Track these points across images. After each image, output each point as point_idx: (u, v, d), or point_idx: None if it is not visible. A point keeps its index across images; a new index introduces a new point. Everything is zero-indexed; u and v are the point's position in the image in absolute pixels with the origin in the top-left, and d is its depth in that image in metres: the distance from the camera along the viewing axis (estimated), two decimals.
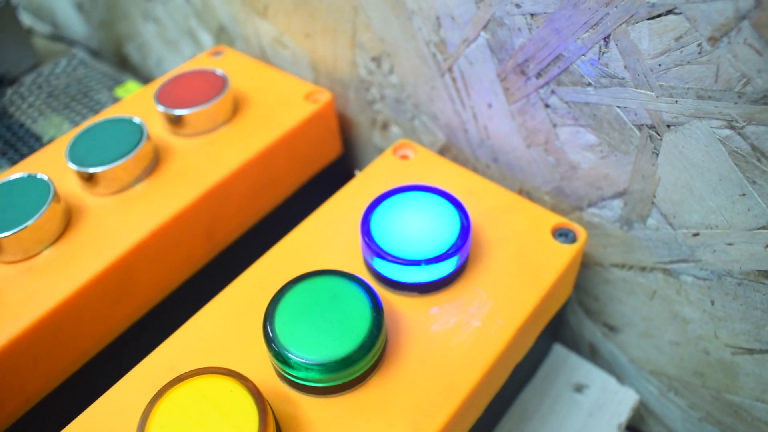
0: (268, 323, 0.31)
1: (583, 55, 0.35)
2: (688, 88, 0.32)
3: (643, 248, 0.40)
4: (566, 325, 0.51)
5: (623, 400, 0.47)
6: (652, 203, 0.37)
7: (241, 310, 0.36)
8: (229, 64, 0.55)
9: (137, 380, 0.34)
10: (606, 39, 0.33)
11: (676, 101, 0.32)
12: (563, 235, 0.39)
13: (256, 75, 0.54)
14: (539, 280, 0.36)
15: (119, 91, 0.69)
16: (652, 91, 0.33)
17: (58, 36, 0.90)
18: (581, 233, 0.38)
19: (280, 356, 0.30)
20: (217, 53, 0.57)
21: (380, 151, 0.55)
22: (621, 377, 0.50)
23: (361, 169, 0.44)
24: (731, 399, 0.42)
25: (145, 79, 0.83)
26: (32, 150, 0.61)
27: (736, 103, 0.30)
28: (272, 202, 0.50)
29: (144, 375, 0.34)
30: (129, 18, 0.76)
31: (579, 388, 0.47)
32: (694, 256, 0.38)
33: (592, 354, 0.51)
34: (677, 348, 0.43)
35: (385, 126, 0.53)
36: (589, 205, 0.41)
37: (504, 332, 0.34)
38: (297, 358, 0.30)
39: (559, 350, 0.50)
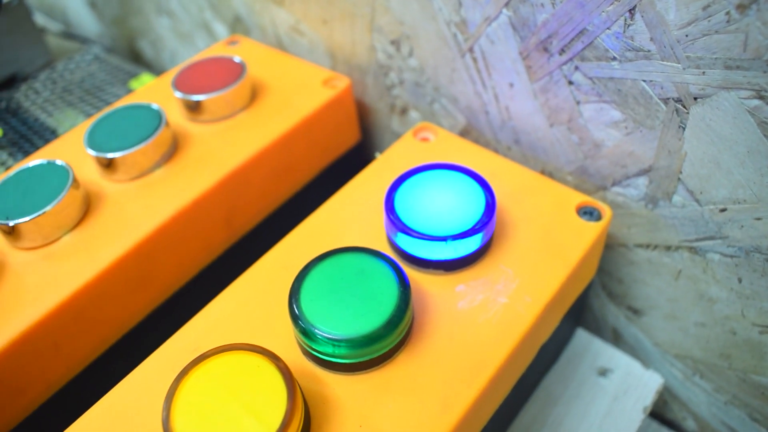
0: (293, 300, 0.31)
1: (608, 28, 0.34)
2: (715, 59, 0.31)
3: (668, 227, 0.40)
4: (589, 310, 0.51)
5: (648, 384, 0.46)
6: (678, 179, 0.37)
7: (266, 290, 0.36)
8: (245, 52, 0.55)
9: (161, 361, 0.33)
10: (632, 11, 0.33)
11: (704, 72, 0.32)
12: (588, 213, 0.38)
13: (273, 62, 0.53)
14: (566, 258, 0.36)
15: (134, 84, 0.69)
16: (679, 63, 0.33)
17: (70, 34, 0.90)
18: (606, 211, 0.38)
19: (306, 332, 0.30)
20: (233, 42, 0.57)
21: (399, 137, 0.55)
22: (645, 361, 0.49)
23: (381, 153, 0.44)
24: (758, 380, 0.42)
25: (158, 74, 0.83)
26: (48, 143, 0.61)
27: (765, 72, 0.30)
28: (291, 188, 0.49)
29: (168, 356, 0.34)
30: (142, 13, 0.76)
31: (603, 373, 0.47)
32: (721, 233, 0.37)
33: (616, 339, 0.50)
34: (703, 329, 0.43)
35: (404, 111, 0.53)
36: (613, 184, 0.41)
37: (532, 309, 0.34)
38: (324, 334, 0.30)
39: (582, 335, 0.49)
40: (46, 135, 0.62)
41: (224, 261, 0.46)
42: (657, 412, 0.52)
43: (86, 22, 0.91)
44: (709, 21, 0.30)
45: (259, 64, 0.53)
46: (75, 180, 0.41)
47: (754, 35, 0.29)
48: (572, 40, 0.36)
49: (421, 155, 0.43)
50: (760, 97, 0.31)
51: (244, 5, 0.59)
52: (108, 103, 0.66)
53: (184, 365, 0.29)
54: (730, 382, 0.44)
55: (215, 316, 0.35)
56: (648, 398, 0.45)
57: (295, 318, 0.31)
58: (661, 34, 0.32)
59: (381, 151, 0.44)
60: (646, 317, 0.46)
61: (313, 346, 0.30)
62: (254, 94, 0.50)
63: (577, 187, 0.43)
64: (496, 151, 0.47)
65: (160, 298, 0.43)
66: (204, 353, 0.29)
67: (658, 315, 0.45)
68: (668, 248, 0.41)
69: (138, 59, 0.87)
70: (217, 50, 0.56)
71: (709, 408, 0.47)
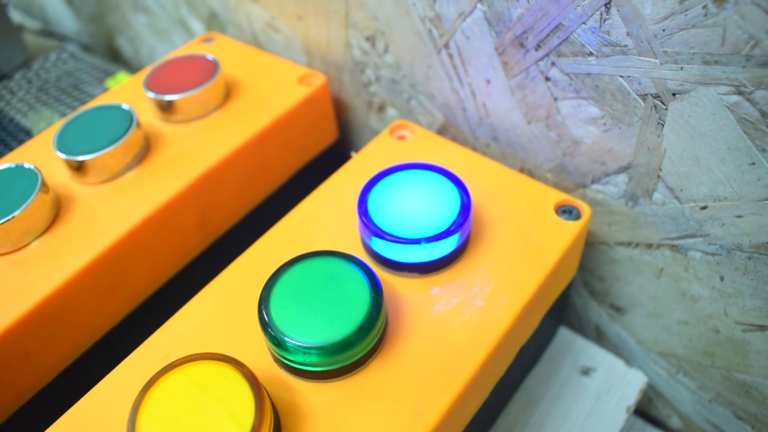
0: (263, 307, 0.30)
1: (584, 23, 0.33)
2: (693, 54, 0.30)
3: (649, 224, 0.39)
4: (572, 308, 0.50)
5: (631, 383, 0.46)
6: (658, 177, 0.36)
7: (237, 296, 0.35)
8: (220, 50, 0.54)
9: (129, 370, 0.33)
10: (607, 5, 0.32)
11: (682, 68, 0.31)
12: (567, 211, 0.37)
13: (248, 60, 0.52)
14: (543, 259, 0.35)
15: (110, 83, 0.67)
16: (656, 58, 0.32)
17: (49, 32, 0.89)
18: (585, 209, 0.37)
19: (276, 340, 0.29)
20: (208, 40, 0.56)
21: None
22: (629, 360, 0.48)
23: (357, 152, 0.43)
24: (742, 378, 0.41)
25: (137, 72, 0.82)
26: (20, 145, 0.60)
27: (744, 67, 0.29)
28: (267, 189, 0.48)
29: (136, 365, 0.33)
30: (119, 10, 0.75)
31: (586, 372, 0.46)
32: (702, 231, 0.36)
33: (599, 337, 0.50)
34: (686, 327, 0.42)
35: (381, 108, 0.52)
36: (593, 182, 0.40)
37: (508, 312, 0.33)
38: (294, 342, 0.29)
39: (564, 334, 0.49)
40: (20, 136, 0.61)
41: (199, 264, 0.45)
42: (642, 410, 0.51)
43: (65, 19, 0.89)
44: (686, 15, 0.29)
45: (234, 61, 0.52)
46: (44, 184, 0.40)
47: (732, 29, 0.28)
48: (548, 35, 0.36)
49: (397, 154, 0.42)
50: (739, 93, 0.30)
51: (220, 1, 0.58)
52: (84, 103, 0.64)
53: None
54: (714, 380, 0.43)
55: (185, 323, 0.34)
56: (631, 397, 0.45)
57: (265, 325, 0.30)
58: (638, 28, 0.31)
59: (358, 149, 0.43)
60: (629, 315, 0.46)
61: (284, 354, 0.30)
62: (228, 93, 0.49)
63: (557, 185, 0.43)
64: (474, 148, 0.47)
65: (133, 304, 0.42)
66: (170, 363, 0.29)
67: (640, 313, 0.44)
68: (649, 246, 0.40)
69: (117, 57, 0.86)
70: (192, 48, 0.55)
71: (693, 406, 0.46)
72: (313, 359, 0.29)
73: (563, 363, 0.47)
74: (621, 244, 0.42)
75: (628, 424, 0.50)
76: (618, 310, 0.46)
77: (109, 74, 0.70)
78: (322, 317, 0.30)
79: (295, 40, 0.54)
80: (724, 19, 0.28)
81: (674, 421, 0.49)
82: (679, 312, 0.42)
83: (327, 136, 0.52)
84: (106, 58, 0.86)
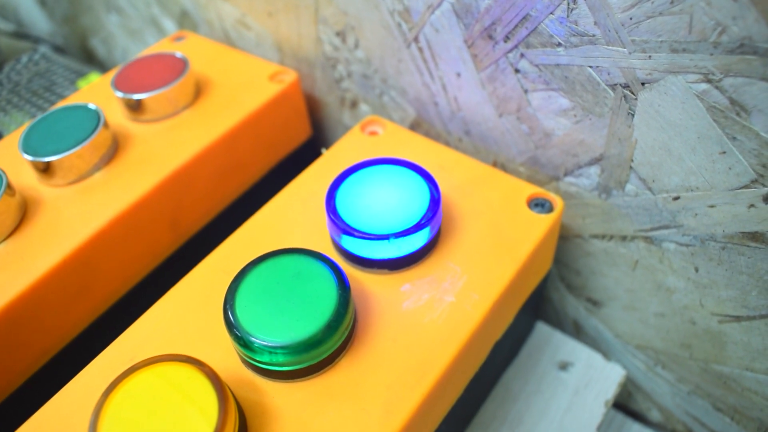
0: (228, 307, 0.30)
1: (552, 13, 0.33)
2: (661, 42, 0.30)
3: (623, 216, 0.39)
4: (549, 303, 0.50)
5: (610, 377, 0.45)
6: (630, 168, 0.36)
7: (204, 296, 0.34)
8: (191, 48, 0.53)
9: (94, 374, 0.32)
10: None
11: (650, 56, 0.31)
12: (539, 205, 0.37)
13: (219, 58, 0.52)
14: (515, 252, 0.35)
15: (82, 84, 0.67)
16: (625, 47, 0.31)
17: (22, 34, 0.88)
18: (558, 202, 0.37)
19: (241, 341, 0.29)
20: (179, 38, 0.55)
21: None
22: (607, 353, 0.48)
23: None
24: (720, 370, 0.41)
25: None
26: None
27: (711, 54, 0.29)
28: (239, 187, 0.48)
29: (102, 368, 0.32)
30: (92, 10, 0.74)
31: (564, 366, 0.46)
32: (676, 222, 0.36)
33: (577, 331, 0.50)
34: (663, 320, 0.42)
35: (354, 104, 0.51)
36: (566, 174, 0.40)
37: (479, 307, 0.32)
38: (260, 342, 0.28)
39: (542, 328, 0.48)
40: None
41: (171, 266, 0.44)
42: (621, 403, 0.51)
43: (38, 21, 0.88)
44: (652, 2, 0.29)
45: (205, 60, 0.51)
46: (9, 186, 0.39)
47: (698, 16, 0.28)
48: (516, 26, 0.35)
49: (368, 150, 0.41)
50: (708, 81, 0.30)
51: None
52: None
53: None
54: (692, 372, 0.43)
55: (152, 325, 0.34)
56: (609, 391, 0.44)
57: (230, 326, 0.29)
58: (605, 17, 0.31)
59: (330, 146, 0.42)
60: (606, 308, 0.45)
61: (250, 355, 0.29)
62: (198, 92, 0.48)
63: (530, 178, 0.42)
64: (447, 143, 0.46)
65: (103, 307, 0.41)
66: (132, 366, 0.28)
67: (617, 306, 0.44)
68: (624, 238, 0.40)
69: (91, 58, 0.85)
70: (163, 47, 0.54)
71: (672, 398, 0.46)
72: (280, 359, 0.29)
73: (541, 358, 0.47)
74: (596, 236, 0.41)
75: (609, 418, 0.50)
76: (595, 303, 0.46)
77: (81, 75, 0.69)
78: (289, 316, 0.29)
79: (266, 36, 0.53)
80: (690, 5, 0.28)
81: (654, 414, 0.49)
82: (656, 304, 0.41)
83: (300, 133, 0.52)
84: (80, 60, 0.85)
